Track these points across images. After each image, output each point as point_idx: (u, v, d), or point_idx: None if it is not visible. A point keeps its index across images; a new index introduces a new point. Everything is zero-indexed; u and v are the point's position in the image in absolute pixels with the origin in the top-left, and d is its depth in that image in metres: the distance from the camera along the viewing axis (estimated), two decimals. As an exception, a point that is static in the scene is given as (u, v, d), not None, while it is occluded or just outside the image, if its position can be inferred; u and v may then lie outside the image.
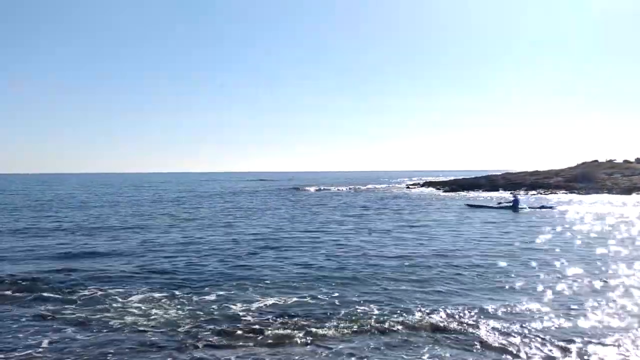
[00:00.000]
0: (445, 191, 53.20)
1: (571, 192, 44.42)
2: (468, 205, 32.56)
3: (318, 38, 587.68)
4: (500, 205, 30.47)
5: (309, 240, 16.90)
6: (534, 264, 12.51)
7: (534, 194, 44.78)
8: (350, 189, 61.94)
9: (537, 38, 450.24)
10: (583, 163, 63.99)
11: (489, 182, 57.13)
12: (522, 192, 46.72)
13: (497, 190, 50.52)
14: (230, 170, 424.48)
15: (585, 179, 48.80)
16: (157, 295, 9.68)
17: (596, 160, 63.23)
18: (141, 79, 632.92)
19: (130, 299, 9.41)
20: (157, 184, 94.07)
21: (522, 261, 12.87)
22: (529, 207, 29.89)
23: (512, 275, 11.14)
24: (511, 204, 29.73)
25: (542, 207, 30.25)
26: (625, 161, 60.50)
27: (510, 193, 34.35)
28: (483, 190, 51.60)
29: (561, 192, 45.55)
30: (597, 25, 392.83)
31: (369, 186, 69.52)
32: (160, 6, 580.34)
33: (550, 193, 44.95)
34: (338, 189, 60.84)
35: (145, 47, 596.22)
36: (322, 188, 63.01)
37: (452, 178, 76.88)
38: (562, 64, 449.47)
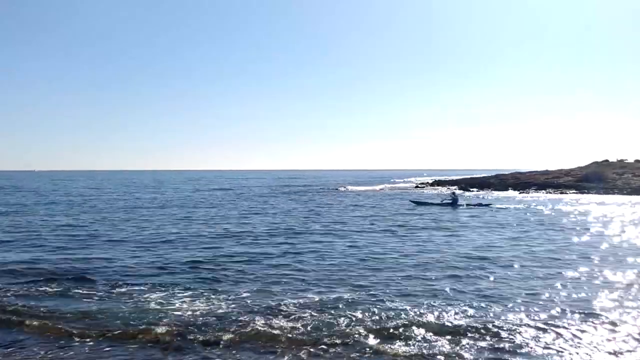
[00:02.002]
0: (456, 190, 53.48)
1: (581, 192, 44.43)
2: (413, 202, 35.05)
3: (317, 36, 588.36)
4: (442, 202, 32.45)
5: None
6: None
7: (544, 193, 44.94)
8: (384, 188, 61.56)
9: (542, 35, 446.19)
10: (593, 162, 63.85)
11: (499, 182, 57.33)
12: (531, 191, 46.93)
13: (507, 189, 50.73)
14: (229, 169, 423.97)
15: (595, 178, 48.76)
16: (190, 292, 10.17)
17: (607, 160, 63.08)
18: (144, 79, 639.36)
19: (162, 295, 9.92)
20: (177, 182, 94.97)
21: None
22: (467, 205, 31.73)
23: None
24: (451, 202, 31.68)
25: (479, 204, 31.58)
26: (637, 161, 60.25)
27: (452, 191, 36.78)
28: (493, 189, 51.80)
29: (571, 191, 45.52)
30: (608, 23, 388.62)
31: (387, 185, 69.82)
32: (164, 6, 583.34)
33: (560, 193, 45.00)
34: (373, 189, 59.76)
35: (149, 46, 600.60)
36: (384, 188, 61.23)
37: (462, 177, 77.08)
38: (573, 61, 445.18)
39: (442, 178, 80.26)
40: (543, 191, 47.11)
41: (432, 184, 65.16)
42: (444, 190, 50.69)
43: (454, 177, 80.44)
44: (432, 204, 33.14)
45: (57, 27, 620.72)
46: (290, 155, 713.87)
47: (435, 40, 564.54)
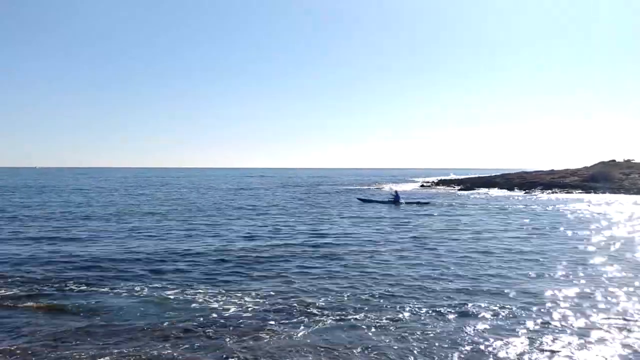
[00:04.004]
0: (460, 189, 53.40)
1: (587, 192, 44.23)
2: (360, 199, 37.03)
3: (317, 36, 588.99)
4: (385, 200, 34.53)
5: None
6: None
7: (549, 193, 44.79)
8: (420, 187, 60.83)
9: (542, 35, 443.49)
10: (600, 162, 63.53)
11: (505, 181, 57.14)
12: (537, 191, 46.77)
13: (513, 189, 50.56)
14: (228, 167, 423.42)
15: (602, 178, 48.52)
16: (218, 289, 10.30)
17: (613, 160, 62.75)
18: (144, 79, 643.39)
19: (182, 290, 10.11)
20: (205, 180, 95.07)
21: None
22: (407, 202, 33.35)
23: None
24: (393, 200, 33.30)
25: (418, 202, 33.60)
26: (644, 161, 59.96)
27: (394, 190, 37.76)
28: (499, 189, 51.65)
29: (577, 191, 45.34)
30: (608, 23, 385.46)
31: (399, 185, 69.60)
32: (164, 6, 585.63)
33: (566, 192, 44.85)
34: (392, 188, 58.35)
35: (149, 46, 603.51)
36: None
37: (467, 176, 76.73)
38: (573, 61, 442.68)
39: (447, 177, 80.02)
40: (549, 190, 46.95)
41: (437, 184, 64.82)
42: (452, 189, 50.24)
43: (460, 177, 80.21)
44: (377, 201, 35.38)
45: (57, 27, 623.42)
46: (290, 155, 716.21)
47: (435, 40, 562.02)
